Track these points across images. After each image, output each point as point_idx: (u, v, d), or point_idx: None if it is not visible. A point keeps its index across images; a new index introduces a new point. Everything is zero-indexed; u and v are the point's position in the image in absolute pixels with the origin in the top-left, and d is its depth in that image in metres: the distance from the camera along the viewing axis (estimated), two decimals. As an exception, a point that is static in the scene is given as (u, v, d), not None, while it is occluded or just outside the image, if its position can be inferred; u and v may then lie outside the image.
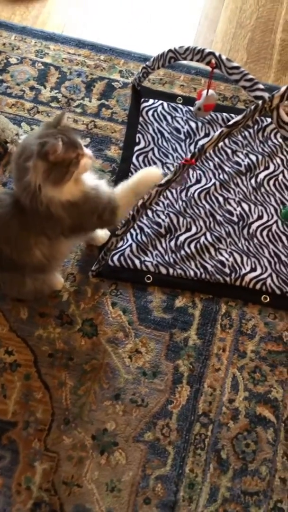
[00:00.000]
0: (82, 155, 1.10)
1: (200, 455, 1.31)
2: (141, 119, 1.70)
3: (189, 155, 1.63)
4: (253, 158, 1.66)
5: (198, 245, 1.53)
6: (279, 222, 1.58)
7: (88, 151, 1.13)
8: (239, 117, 1.15)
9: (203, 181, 1.63)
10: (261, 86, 1.21)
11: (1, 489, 1.25)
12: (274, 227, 1.57)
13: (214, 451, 1.31)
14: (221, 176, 1.64)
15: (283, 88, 1.15)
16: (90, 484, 1.26)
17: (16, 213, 1.16)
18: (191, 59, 1.38)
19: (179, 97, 1.75)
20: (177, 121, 1.71)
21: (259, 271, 1.51)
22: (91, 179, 1.19)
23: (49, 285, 1.38)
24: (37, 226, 1.16)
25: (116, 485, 1.27)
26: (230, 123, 1.15)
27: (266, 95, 1.18)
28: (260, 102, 1.15)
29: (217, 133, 1.15)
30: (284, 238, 1.56)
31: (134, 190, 1.24)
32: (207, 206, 1.59)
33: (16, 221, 1.16)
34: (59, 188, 1.09)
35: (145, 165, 1.64)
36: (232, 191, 1.62)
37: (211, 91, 1.43)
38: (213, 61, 1.29)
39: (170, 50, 1.46)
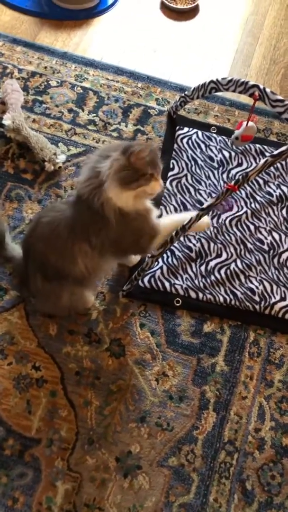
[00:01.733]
0: (157, 178, 1.16)
1: (224, 484, 1.28)
2: (175, 146, 1.74)
3: (222, 183, 1.66)
4: (285, 189, 1.69)
5: (228, 271, 1.54)
6: (309, 253, 1.59)
7: (161, 180, 1.18)
8: (284, 148, 1.17)
9: (235, 208, 1.65)
10: (302, 119, 1.25)
11: (21, 508, 1.23)
12: (304, 258, 1.58)
13: (239, 481, 1.28)
14: (252, 205, 1.66)
15: None
16: (112, 508, 1.24)
17: (67, 221, 1.21)
18: (234, 91, 1.42)
19: (213, 127, 1.80)
20: (211, 150, 1.75)
21: (288, 300, 1.51)
22: (148, 203, 1.23)
23: (83, 302, 1.39)
24: (83, 230, 1.20)
25: (139, 510, 1.24)
26: (275, 152, 1.17)
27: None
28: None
29: (262, 161, 1.18)
30: (314, 269, 1.56)
31: (178, 226, 1.27)
32: (238, 234, 1.61)
33: (66, 228, 1.21)
34: (121, 191, 1.13)
35: (178, 191, 1.66)
36: (263, 220, 1.63)
37: (251, 123, 1.47)
38: (257, 93, 1.32)
39: (212, 81, 1.50)
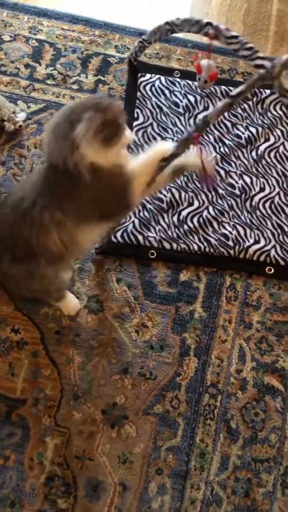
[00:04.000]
0: (125, 127, 1.10)
1: (210, 425, 1.32)
2: (139, 94, 1.68)
3: (188, 129, 1.62)
4: (253, 130, 1.65)
5: (201, 219, 1.53)
6: (281, 194, 1.57)
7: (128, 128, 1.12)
8: (242, 87, 1.13)
9: (204, 154, 1.61)
10: (261, 55, 1.19)
11: (13, 465, 1.26)
12: (277, 198, 1.57)
13: (223, 421, 1.32)
14: (221, 150, 1.63)
15: (284, 57, 1.13)
16: (102, 457, 1.27)
17: (37, 191, 1.14)
18: (189, 31, 1.36)
19: (177, 71, 1.73)
20: (176, 95, 1.69)
21: (262, 243, 1.51)
22: (125, 152, 1.16)
23: (57, 286, 1.31)
24: (54, 196, 1.12)
25: (128, 457, 1.28)
26: (233, 93, 1.13)
27: (267, 63, 1.16)
28: (262, 71, 1.13)
29: (221, 104, 1.14)
30: (286, 209, 1.56)
31: (153, 162, 1.17)
32: (209, 180, 1.58)
33: (35, 198, 1.13)
34: (106, 150, 1.06)
35: (145, 141, 1.62)
36: (233, 164, 1.61)
37: (209, 61, 1.41)
38: (211, 31, 1.26)
39: (167, 23, 1.43)
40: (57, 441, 1.28)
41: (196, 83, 1.65)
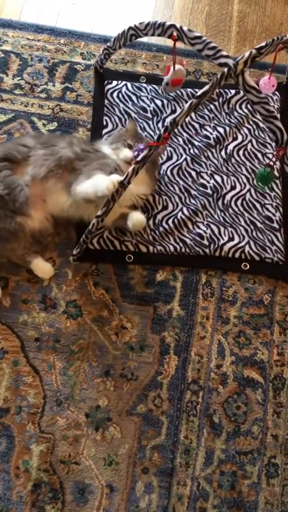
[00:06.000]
0: None
1: (193, 422, 1.33)
2: (106, 101, 1.70)
3: (158, 133, 1.64)
4: (221, 130, 1.68)
5: (176, 221, 1.55)
6: (252, 191, 1.60)
7: None
8: (207, 87, 1.16)
9: (174, 157, 1.64)
10: (224, 53, 1.22)
11: (-1, 475, 1.26)
12: (248, 196, 1.60)
13: (206, 416, 1.34)
14: (191, 151, 1.65)
15: (246, 54, 1.16)
16: (88, 460, 1.28)
17: None
18: (153, 34, 1.38)
19: (142, 76, 1.76)
20: (143, 100, 1.72)
21: (237, 240, 1.54)
22: None
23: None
24: None
25: (114, 458, 1.28)
26: (199, 93, 1.16)
27: (230, 61, 1.19)
28: (225, 69, 1.16)
29: (187, 104, 1.16)
30: (258, 205, 1.59)
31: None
32: (181, 182, 1.61)
33: None
34: None
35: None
36: (204, 165, 1.63)
37: (179, 66, 1.43)
38: (175, 33, 1.29)
39: (130, 28, 1.45)
40: (42, 447, 1.28)
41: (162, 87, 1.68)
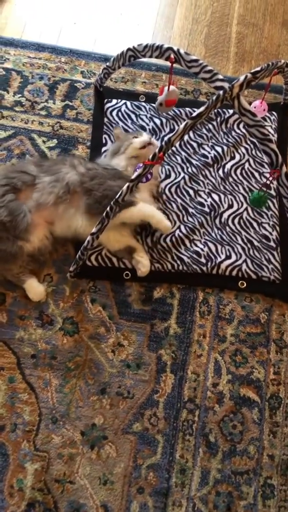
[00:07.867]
0: None
1: (189, 441, 1.33)
2: (106, 119, 1.72)
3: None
4: (219, 149, 1.70)
5: (173, 239, 1.56)
6: (249, 209, 1.62)
7: None
8: (202, 108, 1.18)
9: (173, 175, 1.66)
10: (220, 77, 1.24)
11: (-7, 493, 1.24)
12: (245, 214, 1.61)
13: (202, 435, 1.33)
14: (189, 170, 1.67)
15: (242, 77, 1.18)
16: (83, 479, 1.27)
17: None
18: (151, 56, 1.41)
19: (142, 95, 1.78)
20: (142, 119, 1.74)
21: (234, 258, 1.55)
22: None
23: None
24: None
25: (109, 478, 1.28)
26: (194, 114, 1.18)
27: (226, 85, 1.21)
28: (221, 92, 1.18)
29: (182, 125, 1.18)
30: (255, 224, 1.60)
31: None
32: (179, 200, 1.62)
33: None
34: None
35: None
36: (201, 183, 1.65)
37: (172, 87, 1.46)
38: (172, 56, 1.31)
39: (129, 49, 1.48)
40: (36, 466, 1.28)
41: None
